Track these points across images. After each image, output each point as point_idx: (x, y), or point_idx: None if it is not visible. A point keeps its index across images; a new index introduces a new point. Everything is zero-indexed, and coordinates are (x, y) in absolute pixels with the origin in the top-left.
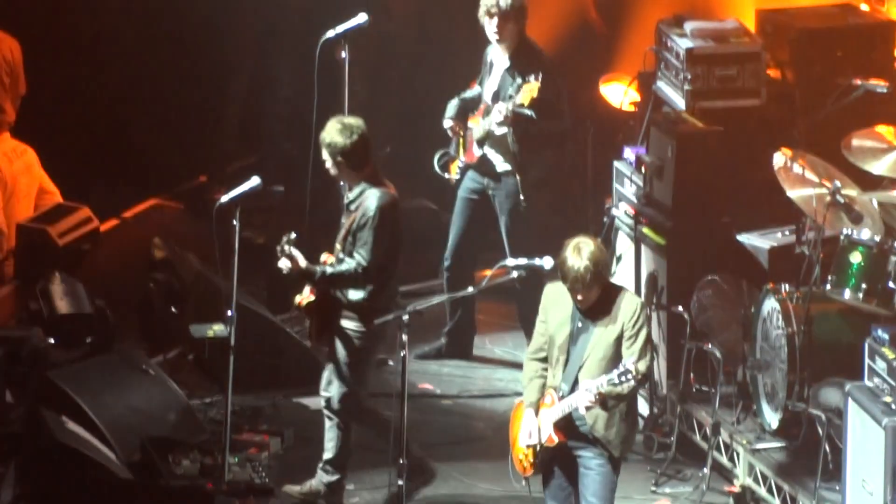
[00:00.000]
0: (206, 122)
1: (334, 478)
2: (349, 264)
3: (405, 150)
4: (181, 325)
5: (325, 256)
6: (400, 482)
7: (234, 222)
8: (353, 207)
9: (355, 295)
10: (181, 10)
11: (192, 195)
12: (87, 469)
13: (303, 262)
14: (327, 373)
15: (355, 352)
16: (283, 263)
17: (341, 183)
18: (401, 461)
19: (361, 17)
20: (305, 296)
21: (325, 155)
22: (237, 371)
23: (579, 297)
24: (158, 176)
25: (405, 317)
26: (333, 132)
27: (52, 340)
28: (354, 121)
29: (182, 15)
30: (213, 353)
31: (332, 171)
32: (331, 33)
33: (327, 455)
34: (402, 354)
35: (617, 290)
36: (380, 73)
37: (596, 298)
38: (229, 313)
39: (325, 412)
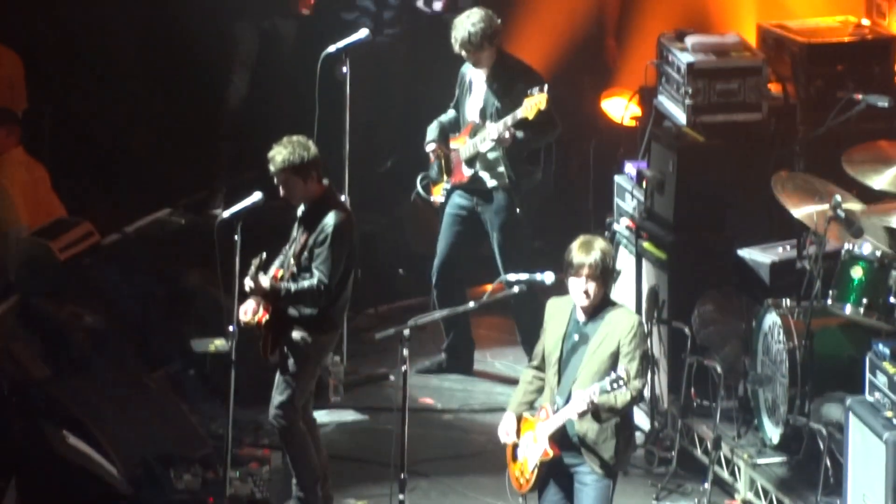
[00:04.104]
0: (206, 136)
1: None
2: (311, 281)
3: (406, 163)
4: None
5: (275, 270)
6: (401, 496)
7: (236, 237)
8: (307, 223)
9: (306, 309)
10: (181, 22)
11: (194, 210)
12: (89, 484)
13: (266, 283)
14: (277, 385)
15: (303, 362)
16: (248, 283)
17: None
18: (402, 476)
19: (363, 32)
20: (259, 314)
21: (290, 176)
22: (238, 385)
23: (586, 291)
24: (160, 190)
25: (406, 331)
26: (293, 149)
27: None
28: (303, 138)
29: (182, 27)
30: (215, 367)
31: (291, 191)
32: (332, 48)
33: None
34: (402, 369)
35: (615, 306)
36: (380, 87)
37: (597, 304)
38: (231, 328)
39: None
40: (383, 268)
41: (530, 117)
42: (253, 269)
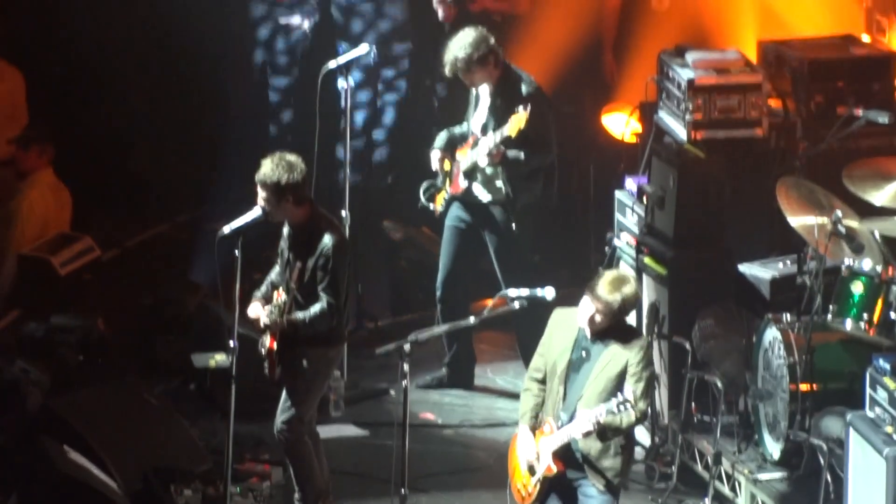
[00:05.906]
0: (207, 150)
1: None
2: (321, 305)
3: (407, 179)
4: (183, 353)
5: (276, 293)
6: None
7: (237, 252)
8: (301, 246)
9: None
10: (181, 38)
11: (194, 224)
12: (89, 499)
13: (283, 322)
14: (284, 400)
15: (311, 377)
16: (263, 320)
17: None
18: (402, 491)
19: (363, 48)
20: (267, 343)
21: (267, 194)
22: (239, 400)
23: (592, 318)
24: (160, 205)
25: (406, 346)
26: (274, 167)
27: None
28: (295, 159)
29: (182, 43)
30: (215, 382)
31: (273, 210)
32: (332, 63)
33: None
34: (403, 384)
35: (625, 326)
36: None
37: (604, 329)
38: (231, 343)
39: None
40: (380, 283)
41: (513, 135)
42: (275, 310)
